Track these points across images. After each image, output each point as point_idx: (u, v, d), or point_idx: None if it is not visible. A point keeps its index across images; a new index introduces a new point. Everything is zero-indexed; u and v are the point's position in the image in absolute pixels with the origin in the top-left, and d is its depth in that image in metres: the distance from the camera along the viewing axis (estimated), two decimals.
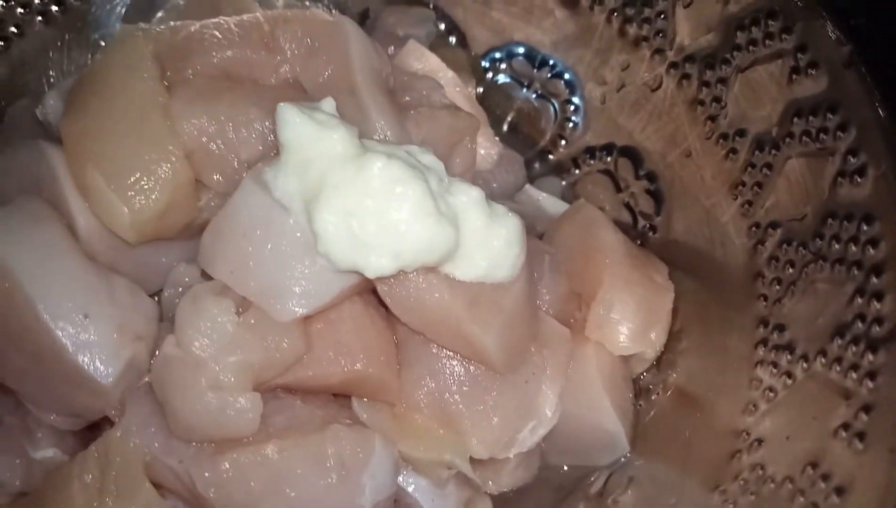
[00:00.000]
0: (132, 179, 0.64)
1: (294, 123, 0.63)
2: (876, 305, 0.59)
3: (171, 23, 0.74)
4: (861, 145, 0.65)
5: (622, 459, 0.76)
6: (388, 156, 0.63)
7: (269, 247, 0.63)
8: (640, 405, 0.79)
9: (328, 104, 0.67)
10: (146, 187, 0.65)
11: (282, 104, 0.63)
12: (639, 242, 0.88)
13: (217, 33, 0.72)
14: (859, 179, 0.64)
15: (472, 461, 0.71)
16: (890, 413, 0.53)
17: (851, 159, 0.65)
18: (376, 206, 0.62)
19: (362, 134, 0.66)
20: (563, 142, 0.96)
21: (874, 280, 0.60)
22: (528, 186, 0.93)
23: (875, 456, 0.53)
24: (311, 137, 0.62)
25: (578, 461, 0.77)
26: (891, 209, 0.60)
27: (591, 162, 0.94)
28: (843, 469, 0.55)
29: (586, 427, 0.74)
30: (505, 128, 1.00)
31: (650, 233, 0.88)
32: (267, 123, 0.68)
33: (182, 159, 0.66)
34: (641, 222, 0.89)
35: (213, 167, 0.68)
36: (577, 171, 0.95)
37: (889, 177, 0.61)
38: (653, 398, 0.79)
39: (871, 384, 0.57)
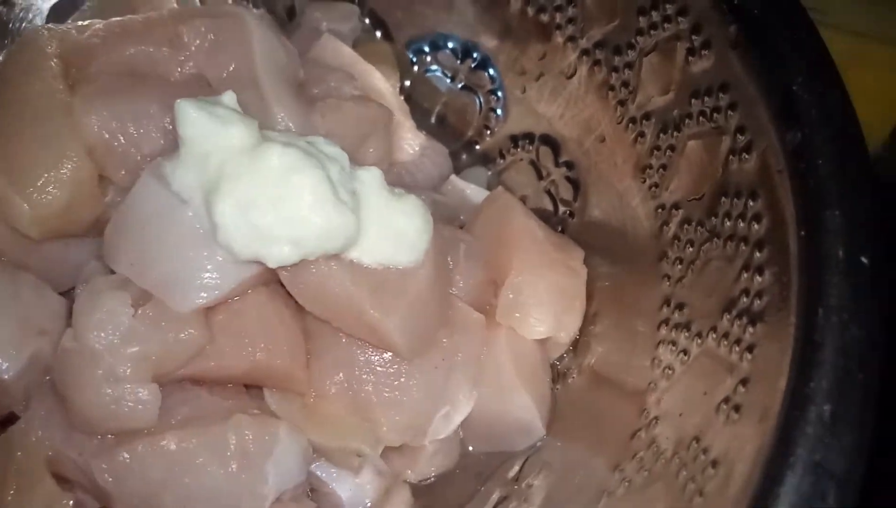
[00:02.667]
0: (32, 176, 0.65)
1: (191, 118, 0.63)
2: (758, 279, 0.60)
3: (79, 22, 0.75)
4: (747, 123, 0.66)
5: (538, 443, 0.76)
6: (285, 145, 0.63)
7: (167, 239, 0.64)
8: (558, 388, 0.80)
9: (229, 97, 0.68)
10: (47, 184, 0.65)
11: (179, 100, 0.64)
12: (560, 229, 0.89)
13: (120, 30, 0.73)
14: (746, 156, 0.66)
15: (388, 449, 0.72)
16: (762, 384, 0.54)
17: (739, 137, 0.67)
18: (274, 195, 0.62)
19: (264, 126, 0.67)
20: (489, 132, 0.98)
21: (757, 254, 0.62)
22: (453, 177, 0.94)
23: (747, 428, 0.54)
24: (209, 131, 0.63)
25: (497, 447, 0.78)
26: (771, 184, 0.61)
27: (515, 151, 0.95)
28: (721, 441, 0.56)
29: (502, 412, 0.75)
30: (433, 119, 1.01)
31: (569, 219, 0.89)
32: (168, 118, 0.69)
33: (83, 156, 0.67)
34: (561, 209, 0.90)
35: (116, 162, 0.69)
36: (501, 161, 0.96)
37: (770, 153, 0.62)
38: (569, 381, 0.80)
39: (749, 356, 0.58)
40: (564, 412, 0.79)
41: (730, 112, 0.68)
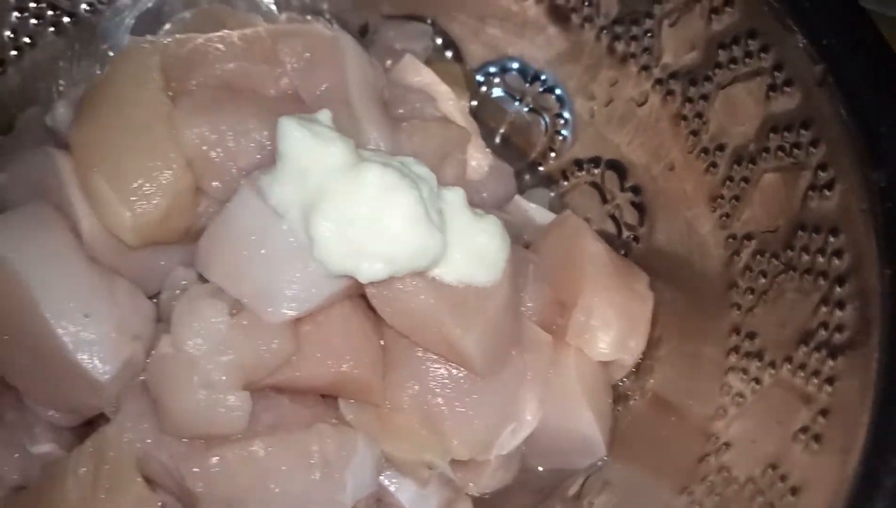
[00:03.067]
0: (135, 185, 0.68)
1: (293, 135, 0.66)
2: (838, 313, 0.62)
3: (178, 35, 0.78)
4: (830, 160, 0.67)
5: (599, 462, 0.78)
6: (384, 165, 0.66)
7: (262, 251, 0.66)
8: (619, 410, 0.82)
9: (324, 115, 0.70)
10: (148, 193, 0.68)
11: (282, 117, 0.66)
12: (622, 252, 0.90)
13: (220, 46, 0.75)
14: (828, 193, 0.67)
15: (454, 462, 0.73)
16: (844, 415, 0.56)
17: (821, 173, 0.68)
18: (371, 214, 0.64)
19: (356, 145, 0.69)
20: (553, 154, 0.99)
21: (837, 289, 0.63)
22: (517, 197, 0.96)
23: (828, 457, 0.55)
24: (310, 148, 0.65)
25: (557, 464, 0.80)
26: (854, 222, 0.63)
27: (579, 174, 0.97)
28: (800, 469, 0.57)
29: (565, 430, 0.77)
30: (497, 140, 1.03)
31: (634, 244, 0.90)
32: (265, 133, 0.71)
33: (184, 166, 0.70)
34: (625, 233, 0.91)
35: (212, 174, 0.72)
36: (565, 183, 0.98)
37: (853, 191, 0.64)
38: (630, 403, 0.81)
39: (829, 389, 0.59)
40: (625, 433, 0.80)
41: (811, 148, 0.70)
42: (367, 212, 0.64)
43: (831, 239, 0.65)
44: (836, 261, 0.64)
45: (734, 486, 0.63)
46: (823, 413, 0.58)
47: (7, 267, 0.64)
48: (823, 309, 0.63)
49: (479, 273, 0.70)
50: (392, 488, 0.74)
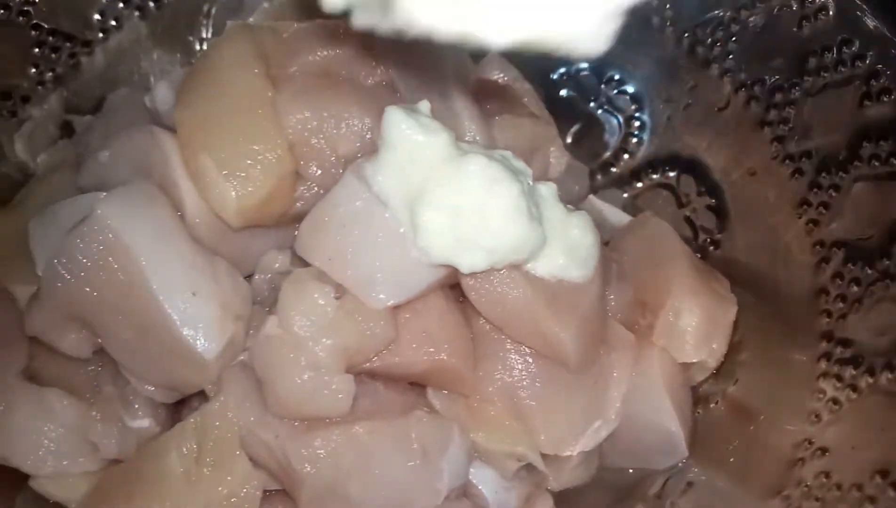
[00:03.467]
0: (241, 166, 0.68)
1: (400, 125, 0.66)
2: None
3: (274, 22, 0.79)
4: None
5: (679, 464, 0.78)
6: (488, 157, 0.66)
7: (366, 237, 0.67)
8: (699, 412, 0.82)
9: (425, 106, 0.71)
10: (253, 175, 0.69)
11: (388, 106, 0.67)
12: (699, 256, 0.91)
13: (319, 33, 0.76)
14: None
15: (541, 455, 0.74)
16: None
17: None
18: (475, 205, 0.65)
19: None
20: (626, 155, 1.00)
21: None
22: (591, 196, 0.96)
23: None
24: (416, 138, 0.66)
25: (637, 463, 0.80)
26: None
27: (654, 176, 0.97)
28: None
29: (647, 429, 0.77)
30: (569, 139, 1.03)
31: (710, 249, 0.91)
32: (366, 121, 0.72)
33: (286, 150, 0.70)
34: (702, 237, 0.92)
35: (312, 160, 0.72)
36: (639, 185, 0.98)
37: None
38: (711, 406, 0.82)
39: None
40: (705, 435, 0.80)
41: None
42: (471, 203, 0.65)
43: None
44: None
45: (836, 492, 0.63)
46: None
47: (121, 242, 0.65)
48: None
49: (573, 268, 0.71)
50: (475, 479, 0.75)
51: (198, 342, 0.66)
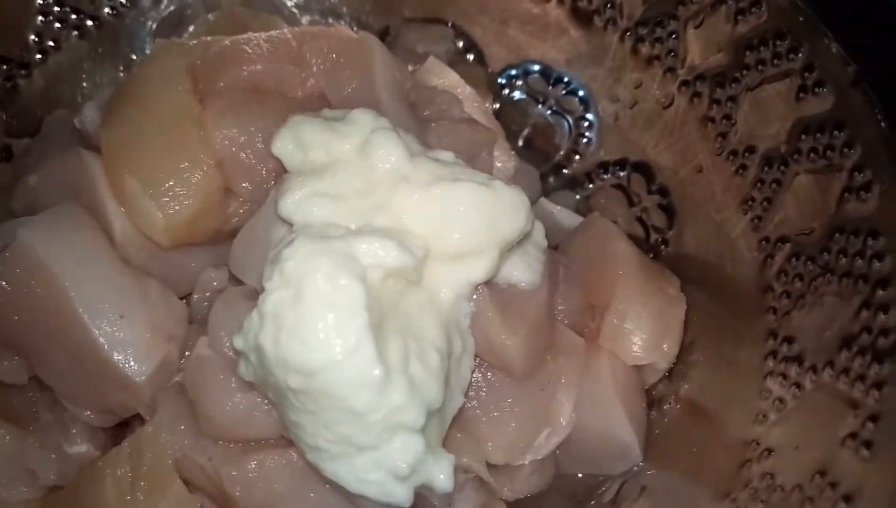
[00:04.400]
0: (167, 186, 0.68)
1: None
2: (881, 317, 0.61)
3: (203, 38, 0.78)
4: (866, 162, 0.67)
5: (635, 468, 0.77)
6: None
7: None
8: (653, 415, 0.81)
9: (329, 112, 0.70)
10: (180, 194, 0.68)
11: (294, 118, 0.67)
12: (651, 255, 0.90)
13: (247, 48, 0.75)
14: (865, 195, 0.67)
15: (489, 466, 0.73)
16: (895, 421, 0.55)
17: (857, 175, 0.68)
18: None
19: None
20: (577, 157, 0.99)
21: (880, 292, 0.62)
22: (542, 199, 0.96)
23: (882, 465, 0.54)
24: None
25: (592, 469, 0.79)
26: (894, 224, 0.62)
27: (605, 176, 0.97)
28: (851, 477, 0.57)
29: (600, 435, 0.76)
30: (520, 142, 1.02)
31: (662, 247, 0.90)
32: None
33: (213, 167, 0.69)
34: (654, 236, 0.91)
35: (242, 175, 0.71)
36: (590, 186, 0.98)
37: (893, 193, 0.63)
38: (665, 408, 0.81)
39: (877, 394, 0.59)
40: (659, 438, 0.79)
41: (846, 150, 0.69)
42: None
43: (871, 241, 0.65)
44: (876, 264, 0.63)
45: (780, 493, 0.62)
46: (873, 418, 0.58)
47: (44, 267, 0.64)
48: (865, 312, 0.63)
49: (523, 274, 0.70)
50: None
51: (127, 365, 0.65)
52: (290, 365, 0.55)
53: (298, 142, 0.65)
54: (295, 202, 0.62)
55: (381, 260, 0.58)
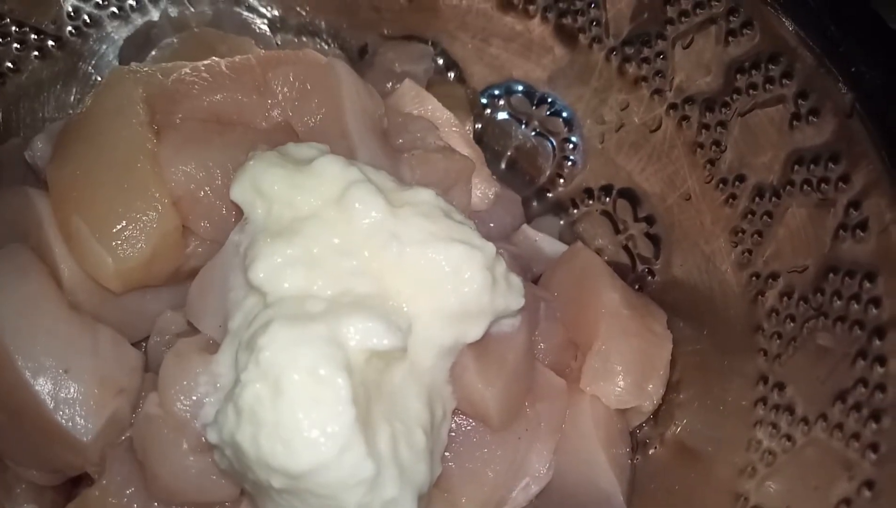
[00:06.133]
0: (117, 228, 0.63)
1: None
2: (879, 370, 0.57)
3: (163, 64, 0.74)
4: (863, 199, 0.63)
5: None
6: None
7: None
8: (637, 459, 0.77)
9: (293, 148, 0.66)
10: (131, 236, 0.64)
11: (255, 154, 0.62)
12: (637, 286, 0.86)
13: (207, 76, 0.71)
14: (861, 233, 0.62)
15: None
16: (894, 493, 0.51)
17: (853, 212, 0.64)
18: None
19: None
20: (562, 180, 0.95)
21: (876, 342, 0.58)
22: (525, 226, 0.91)
23: None
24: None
25: None
26: (892, 266, 0.58)
27: (590, 202, 0.92)
28: None
29: (581, 484, 0.72)
30: (503, 165, 0.98)
31: (649, 278, 0.86)
32: None
33: (168, 207, 0.65)
34: (640, 266, 0.87)
35: (200, 214, 0.67)
36: (575, 211, 0.94)
37: (892, 233, 0.59)
38: (650, 452, 0.77)
39: (873, 456, 0.55)
40: (644, 484, 0.76)
41: (841, 184, 0.65)
42: None
43: (867, 284, 0.61)
44: (873, 310, 0.59)
45: None
46: (868, 485, 0.53)
47: None
48: (861, 362, 0.59)
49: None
50: None
51: (72, 423, 0.61)
52: (273, 467, 0.51)
53: (258, 191, 0.61)
54: (266, 272, 0.57)
55: (369, 345, 0.54)
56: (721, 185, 0.78)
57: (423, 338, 0.60)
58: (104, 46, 0.93)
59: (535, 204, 0.96)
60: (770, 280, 0.72)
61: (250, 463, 0.52)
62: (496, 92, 0.97)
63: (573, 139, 0.94)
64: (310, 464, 0.50)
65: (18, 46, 0.88)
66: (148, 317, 0.70)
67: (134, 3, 0.92)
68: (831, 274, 0.65)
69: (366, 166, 0.65)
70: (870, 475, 0.54)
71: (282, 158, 0.64)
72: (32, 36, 0.89)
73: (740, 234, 0.76)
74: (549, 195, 0.96)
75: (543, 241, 0.91)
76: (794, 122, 0.70)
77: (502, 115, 0.98)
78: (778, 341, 0.69)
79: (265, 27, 0.97)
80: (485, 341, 0.65)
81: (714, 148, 0.79)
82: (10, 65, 0.88)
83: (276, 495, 0.53)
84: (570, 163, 0.94)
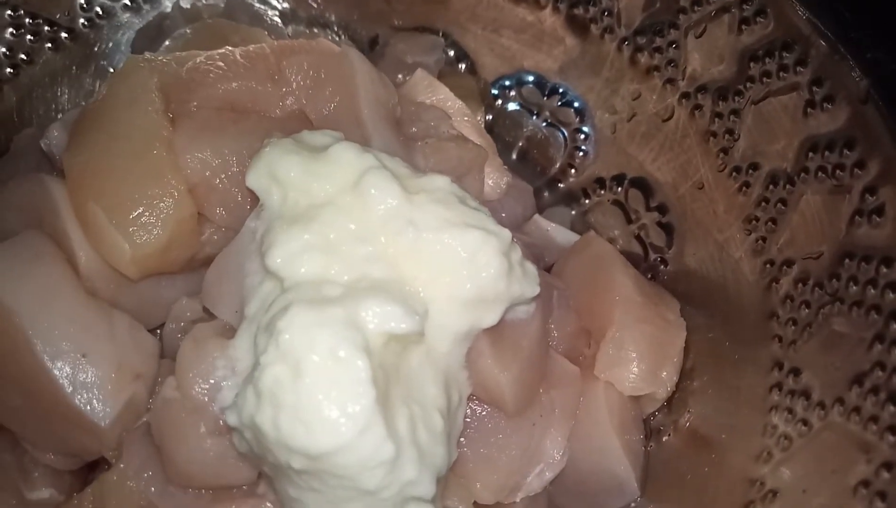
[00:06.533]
0: (134, 215, 0.64)
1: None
2: None
3: (178, 53, 0.74)
4: (879, 184, 0.63)
5: (632, 504, 0.73)
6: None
7: None
8: (651, 446, 0.77)
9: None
10: (148, 222, 0.64)
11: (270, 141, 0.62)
12: (650, 275, 0.86)
13: (222, 64, 0.71)
14: (878, 219, 0.62)
15: (478, 505, 0.69)
16: None
17: (869, 198, 0.64)
18: None
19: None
20: (573, 170, 0.95)
21: (894, 326, 0.58)
22: (536, 216, 0.91)
23: None
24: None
25: (587, 505, 0.75)
26: None
27: (602, 192, 0.92)
28: None
29: (595, 470, 0.72)
30: (514, 155, 0.98)
31: (661, 267, 0.86)
32: None
33: (184, 194, 0.65)
34: (653, 255, 0.87)
35: (216, 201, 0.68)
36: (587, 201, 0.93)
37: None
38: (664, 439, 0.77)
39: (892, 438, 0.55)
40: (658, 471, 0.76)
41: (857, 170, 0.65)
42: None
43: (884, 269, 0.61)
44: (890, 295, 0.59)
45: None
46: (887, 466, 0.53)
47: (0, 304, 0.60)
48: (878, 346, 0.59)
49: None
50: None
51: (90, 407, 0.61)
52: (293, 448, 0.51)
53: (274, 178, 0.61)
54: (283, 258, 0.57)
55: (387, 328, 0.54)
56: (734, 174, 0.78)
57: (439, 324, 0.61)
58: (117, 37, 0.93)
59: (546, 194, 0.96)
60: (784, 267, 0.71)
61: (270, 445, 0.52)
62: (507, 83, 0.97)
63: (585, 129, 0.93)
64: (330, 445, 0.50)
65: (32, 38, 0.89)
66: (163, 304, 0.70)
67: None
68: (847, 260, 0.65)
69: (381, 153, 0.65)
70: (888, 456, 0.54)
71: (297, 145, 0.64)
72: (46, 28, 0.89)
73: (754, 222, 0.75)
74: (561, 185, 0.96)
75: (555, 231, 0.91)
76: (809, 110, 0.70)
77: (513, 106, 0.98)
78: (793, 327, 0.69)
79: (277, 18, 0.97)
80: (500, 327, 0.65)
81: (727, 136, 0.79)
82: (23, 56, 0.88)
83: (296, 476, 0.53)
84: (581, 154, 0.94)
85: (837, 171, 0.67)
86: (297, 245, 0.59)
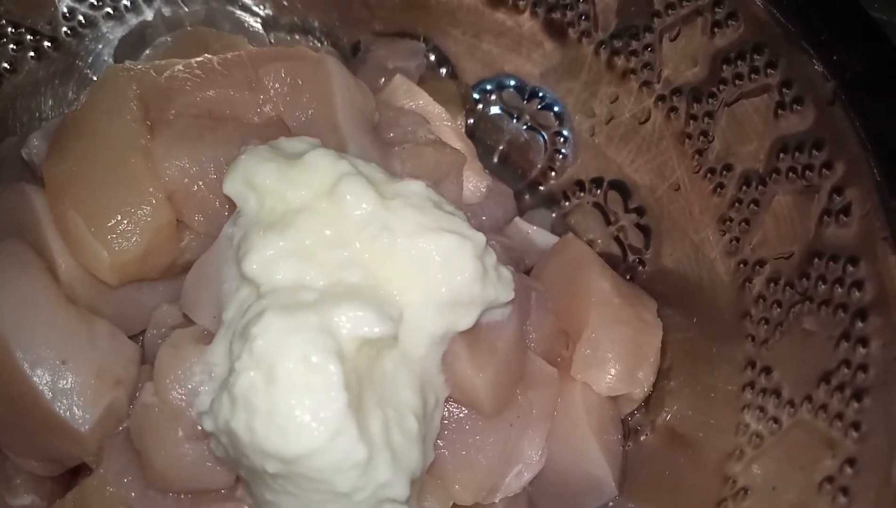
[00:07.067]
0: (112, 222, 0.64)
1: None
2: (861, 351, 0.58)
3: (157, 61, 0.75)
4: (846, 184, 0.64)
5: (610, 503, 0.74)
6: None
7: None
8: (629, 445, 0.78)
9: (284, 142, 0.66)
10: (126, 230, 0.65)
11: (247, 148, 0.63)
12: (628, 276, 0.87)
13: (200, 72, 0.72)
14: (845, 218, 0.63)
15: (457, 506, 0.70)
16: (874, 468, 0.52)
17: (836, 198, 0.65)
18: None
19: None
20: (553, 173, 0.96)
21: (859, 324, 0.59)
22: (517, 219, 0.92)
23: None
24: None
25: (566, 505, 0.76)
26: (875, 251, 0.59)
27: (581, 194, 0.93)
28: None
29: (573, 470, 0.73)
30: (495, 159, 0.99)
31: (640, 267, 0.87)
32: None
33: (163, 201, 0.66)
34: (631, 256, 0.88)
35: (194, 207, 0.68)
36: (567, 204, 0.94)
37: (873, 217, 0.60)
38: (641, 439, 0.78)
39: (855, 434, 0.56)
40: (636, 471, 0.76)
41: (825, 170, 0.66)
42: None
43: (850, 268, 0.62)
44: (856, 293, 0.60)
45: None
46: (850, 462, 0.54)
47: None
48: (844, 344, 0.60)
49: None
50: None
51: (70, 413, 0.62)
52: (267, 452, 0.52)
53: (250, 185, 0.62)
54: (260, 264, 0.58)
55: (360, 333, 0.55)
56: (709, 175, 0.79)
57: (414, 327, 0.61)
58: (99, 46, 0.94)
59: (527, 197, 0.97)
60: (757, 267, 0.72)
61: (245, 450, 0.53)
62: (488, 87, 0.98)
63: (564, 132, 0.95)
64: (303, 449, 0.51)
65: (14, 47, 0.89)
66: (144, 311, 0.71)
67: (128, 4, 0.94)
68: (816, 260, 0.66)
69: (356, 159, 0.66)
70: (852, 452, 0.55)
71: (273, 152, 0.65)
72: (28, 37, 0.90)
73: (728, 223, 0.77)
74: (541, 188, 0.97)
75: (536, 234, 0.92)
76: (779, 111, 0.71)
77: (494, 110, 0.99)
78: (765, 326, 0.70)
79: (258, 26, 0.98)
80: (476, 330, 0.66)
81: (702, 138, 0.80)
82: (6, 65, 0.89)
83: (271, 480, 0.54)
84: (561, 157, 0.95)
85: (807, 172, 0.68)
86: (273, 251, 0.60)
